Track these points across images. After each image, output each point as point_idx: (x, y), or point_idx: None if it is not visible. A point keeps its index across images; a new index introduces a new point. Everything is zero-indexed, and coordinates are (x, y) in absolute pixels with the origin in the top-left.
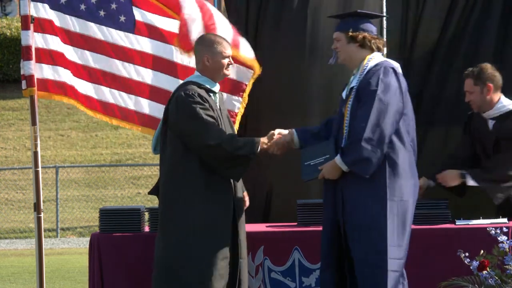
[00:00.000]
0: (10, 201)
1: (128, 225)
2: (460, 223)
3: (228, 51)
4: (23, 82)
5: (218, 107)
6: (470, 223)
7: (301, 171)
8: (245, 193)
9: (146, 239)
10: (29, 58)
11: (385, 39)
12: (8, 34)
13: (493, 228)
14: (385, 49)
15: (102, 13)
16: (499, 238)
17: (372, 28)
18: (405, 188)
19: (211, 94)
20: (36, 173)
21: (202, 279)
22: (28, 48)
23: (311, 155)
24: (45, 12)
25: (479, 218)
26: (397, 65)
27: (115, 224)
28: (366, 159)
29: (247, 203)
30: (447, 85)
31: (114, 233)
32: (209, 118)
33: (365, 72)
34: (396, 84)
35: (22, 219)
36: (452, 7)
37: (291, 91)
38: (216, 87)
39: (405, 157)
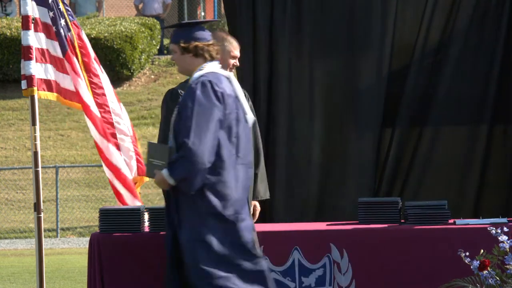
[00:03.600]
0: (10, 201)
1: (128, 225)
2: (460, 223)
3: (236, 52)
4: (23, 82)
5: None
6: (470, 223)
7: (145, 165)
8: (254, 203)
9: (146, 239)
10: (30, 58)
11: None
12: (8, 34)
13: (493, 228)
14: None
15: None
16: (499, 238)
17: (204, 35)
18: (230, 203)
19: None
20: (36, 173)
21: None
22: (29, 48)
23: (155, 153)
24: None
25: (479, 218)
26: (218, 77)
27: (115, 224)
28: (190, 176)
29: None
30: (455, 84)
31: (114, 233)
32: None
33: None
34: (212, 98)
35: (22, 219)
36: (455, 6)
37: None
38: None
39: (229, 171)
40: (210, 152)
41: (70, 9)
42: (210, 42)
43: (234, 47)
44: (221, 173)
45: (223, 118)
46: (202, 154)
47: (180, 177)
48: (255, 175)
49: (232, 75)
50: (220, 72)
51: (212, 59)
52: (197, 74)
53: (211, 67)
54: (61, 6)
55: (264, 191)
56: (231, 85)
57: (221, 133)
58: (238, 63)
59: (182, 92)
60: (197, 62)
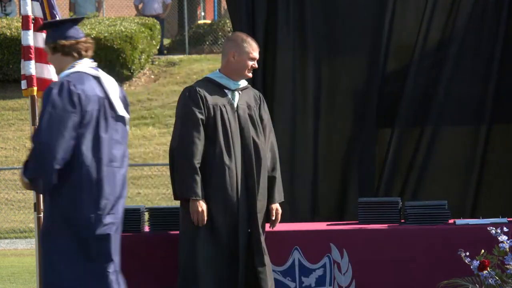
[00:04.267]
0: (10, 201)
1: (128, 225)
2: (460, 223)
3: (255, 53)
4: (23, 82)
5: (230, 105)
6: (470, 223)
7: None
8: (276, 206)
9: (146, 239)
10: (30, 58)
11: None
12: (8, 34)
13: (493, 228)
14: (90, 52)
15: None
16: (499, 238)
17: (72, 33)
18: (85, 207)
19: (226, 91)
20: None
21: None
22: (29, 48)
23: None
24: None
25: (479, 218)
26: (81, 77)
27: None
28: (40, 176)
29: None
30: (455, 84)
31: None
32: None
33: None
34: (66, 100)
35: (22, 219)
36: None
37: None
38: (234, 85)
39: (84, 173)
40: (62, 153)
41: (58, 14)
42: (81, 40)
43: (253, 49)
44: (76, 176)
45: (78, 119)
46: (52, 155)
47: (31, 177)
48: (273, 178)
49: (101, 74)
50: (88, 71)
51: (81, 56)
52: (62, 74)
53: (81, 66)
54: (46, 10)
55: (279, 196)
56: (100, 84)
57: (76, 134)
58: (256, 65)
59: (200, 90)
60: (67, 61)
